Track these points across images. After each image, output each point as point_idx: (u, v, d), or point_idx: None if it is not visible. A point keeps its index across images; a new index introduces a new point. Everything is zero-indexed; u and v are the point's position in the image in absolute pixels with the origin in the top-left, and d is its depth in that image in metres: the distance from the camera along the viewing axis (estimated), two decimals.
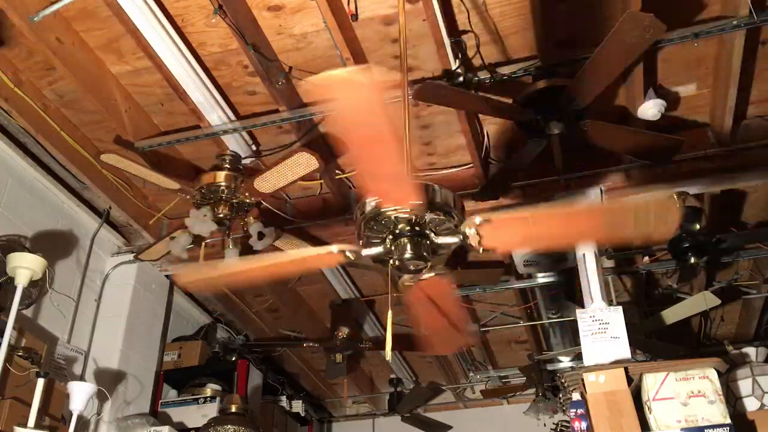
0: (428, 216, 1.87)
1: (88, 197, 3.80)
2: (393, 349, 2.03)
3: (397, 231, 1.89)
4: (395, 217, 1.86)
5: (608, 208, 1.84)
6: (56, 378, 3.23)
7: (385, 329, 5.14)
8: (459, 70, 2.95)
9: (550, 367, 5.03)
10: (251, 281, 2.32)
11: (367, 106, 1.47)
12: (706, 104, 3.32)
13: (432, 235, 1.91)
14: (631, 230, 1.85)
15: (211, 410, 4.01)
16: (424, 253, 1.88)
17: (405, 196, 1.80)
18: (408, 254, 1.87)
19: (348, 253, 1.94)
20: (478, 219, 1.82)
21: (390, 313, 1.96)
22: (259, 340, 5.25)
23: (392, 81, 1.43)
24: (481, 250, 1.89)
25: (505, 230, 1.87)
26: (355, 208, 1.90)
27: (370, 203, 1.86)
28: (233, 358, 4.56)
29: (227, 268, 2.24)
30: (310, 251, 2.05)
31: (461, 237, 1.89)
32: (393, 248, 1.89)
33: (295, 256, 2.09)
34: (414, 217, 1.86)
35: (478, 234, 1.84)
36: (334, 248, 1.94)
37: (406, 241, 1.87)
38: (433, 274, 1.99)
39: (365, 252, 1.94)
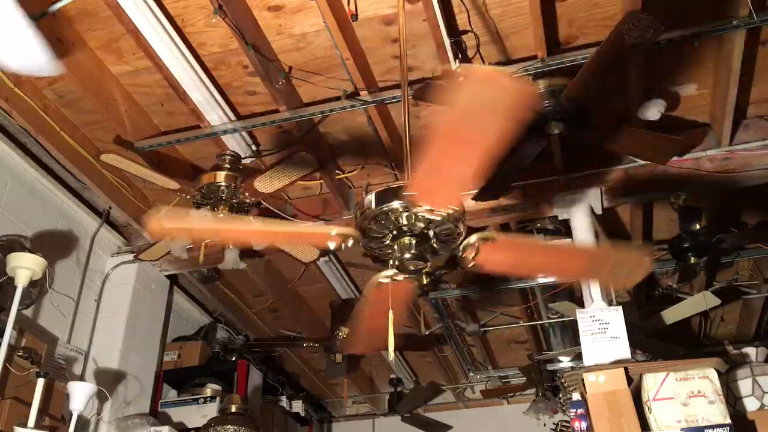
0: (433, 222, 1.88)
1: (88, 197, 3.80)
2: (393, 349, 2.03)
3: (399, 230, 1.89)
4: (390, 217, 1.86)
5: (594, 254, 1.99)
6: (56, 378, 3.23)
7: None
8: (459, 70, 2.95)
9: (550, 367, 5.02)
10: (233, 240, 2.24)
11: (494, 108, 1.44)
12: (706, 104, 3.32)
13: (432, 235, 1.91)
14: (605, 275, 2.04)
15: (211, 410, 4.02)
16: (425, 254, 1.89)
17: (448, 201, 1.79)
18: (409, 254, 1.87)
19: (341, 231, 1.89)
20: (484, 235, 1.84)
21: (391, 313, 1.96)
22: (259, 340, 5.25)
23: (531, 91, 1.42)
24: (470, 265, 1.91)
25: (502, 252, 1.89)
26: (354, 208, 1.90)
27: (379, 200, 1.86)
28: (233, 358, 4.56)
29: (211, 223, 2.18)
30: (306, 227, 2.02)
31: (458, 248, 1.91)
32: (395, 247, 1.89)
33: (287, 227, 2.05)
34: (412, 217, 1.86)
35: (476, 250, 1.86)
36: (333, 230, 1.90)
37: (407, 241, 1.87)
38: (483, 243, 1.96)
39: (364, 242, 1.93)
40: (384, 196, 1.88)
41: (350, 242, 1.90)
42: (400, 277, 2.01)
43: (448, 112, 1.51)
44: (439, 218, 1.86)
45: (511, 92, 1.39)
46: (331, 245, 1.90)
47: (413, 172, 1.79)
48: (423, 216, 1.86)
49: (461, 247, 1.91)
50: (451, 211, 1.84)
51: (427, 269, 1.95)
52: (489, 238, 1.87)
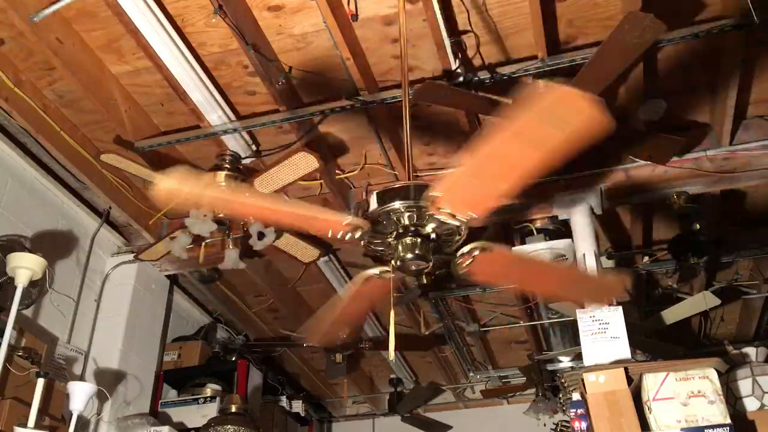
0: (439, 223, 1.88)
1: (88, 197, 3.80)
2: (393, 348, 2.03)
3: (402, 230, 1.89)
4: (391, 218, 1.86)
5: (575, 276, 2.11)
6: (56, 378, 3.23)
7: (385, 329, 5.17)
8: (459, 70, 2.95)
9: (550, 367, 5.02)
10: (239, 213, 2.19)
11: (560, 126, 1.44)
12: (706, 104, 3.32)
13: (434, 239, 1.91)
14: (586, 297, 2.25)
15: (211, 410, 4.01)
16: (427, 255, 1.89)
17: (473, 209, 1.79)
18: (411, 254, 1.87)
19: (354, 222, 1.87)
20: (482, 245, 1.84)
21: (393, 313, 1.96)
22: (259, 340, 5.25)
23: (603, 117, 1.42)
24: (462, 272, 1.91)
25: (496, 263, 1.90)
26: (355, 208, 1.90)
27: (380, 201, 1.86)
28: (233, 358, 4.56)
29: (219, 190, 2.10)
30: (318, 211, 1.96)
31: (455, 254, 1.91)
32: (398, 247, 1.89)
33: (302, 210, 2.00)
34: (411, 217, 1.86)
35: (472, 258, 1.87)
36: (346, 219, 1.87)
37: (410, 240, 1.87)
38: (479, 252, 1.96)
39: (368, 239, 1.93)
40: (393, 194, 1.88)
41: (357, 234, 1.88)
42: (388, 276, 2.01)
43: (511, 121, 1.48)
44: (456, 222, 1.85)
45: (583, 115, 1.39)
46: (339, 234, 1.88)
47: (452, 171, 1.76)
48: (434, 217, 1.85)
49: (458, 253, 1.91)
50: (468, 219, 1.83)
51: (428, 269, 1.95)
52: (486, 248, 1.87)
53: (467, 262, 1.89)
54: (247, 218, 2.34)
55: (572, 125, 1.41)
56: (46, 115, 3.27)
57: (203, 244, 3.57)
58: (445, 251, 1.96)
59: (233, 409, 3.69)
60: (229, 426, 3.57)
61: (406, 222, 1.89)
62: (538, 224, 3.83)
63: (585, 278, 2.12)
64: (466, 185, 1.74)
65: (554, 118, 1.42)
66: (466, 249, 1.89)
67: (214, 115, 3.22)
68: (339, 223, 1.86)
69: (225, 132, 3.31)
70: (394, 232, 1.92)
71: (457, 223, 1.86)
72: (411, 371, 5.88)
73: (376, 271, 1.99)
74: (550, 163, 1.50)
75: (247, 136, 3.45)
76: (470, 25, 2.85)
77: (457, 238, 1.93)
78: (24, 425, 2.78)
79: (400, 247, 1.90)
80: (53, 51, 2.93)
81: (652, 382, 2.43)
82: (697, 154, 3.41)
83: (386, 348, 4.90)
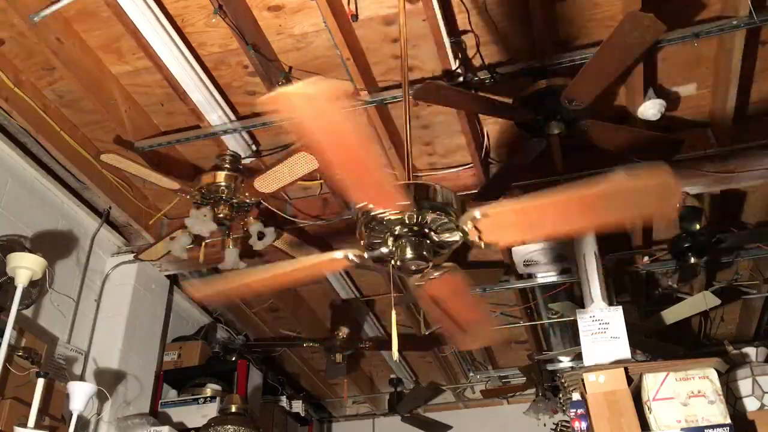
0: (427, 215, 1.86)
1: (88, 197, 3.80)
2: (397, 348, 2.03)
3: (397, 232, 1.88)
4: (388, 219, 1.85)
5: (606, 192, 1.80)
6: (56, 378, 3.22)
7: (385, 329, 5.18)
8: (459, 70, 2.96)
9: (550, 367, 5.03)
10: (260, 290, 2.36)
11: (326, 118, 1.46)
12: (706, 104, 3.32)
13: (432, 234, 1.90)
14: (632, 212, 1.85)
15: (211, 410, 4.01)
16: (425, 253, 1.88)
17: (391, 199, 1.79)
18: (409, 254, 1.86)
19: (352, 257, 1.94)
20: (476, 214, 1.81)
21: (394, 313, 1.96)
22: (259, 340, 5.25)
23: (343, 89, 1.42)
24: (483, 246, 1.88)
25: (504, 223, 1.86)
26: (354, 208, 1.90)
27: (362, 208, 1.86)
28: (233, 358, 4.56)
29: (238, 279, 2.25)
30: (315, 258, 2.04)
31: (461, 234, 1.88)
32: (394, 249, 1.89)
33: (301, 264, 2.09)
34: (410, 217, 1.85)
35: (477, 229, 1.84)
36: (338, 254, 1.94)
37: (405, 241, 1.87)
38: (441, 272, 1.98)
39: (368, 254, 1.93)
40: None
41: (358, 261, 1.95)
42: (435, 275, 2.00)
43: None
44: (402, 217, 1.85)
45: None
46: (342, 268, 1.96)
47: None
48: (413, 216, 1.85)
49: (461, 234, 1.89)
50: (399, 208, 1.82)
51: (429, 268, 1.94)
52: (482, 215, 1.83)
53: (477, 236, 1.85)
54: (268, 290, 2.57)
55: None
56: (46, 115, 3.27)
57: (203, 244, 3.57)
58: (452, 240, 1.93)
59: (233, 409, 3.69)
60: (229, 426, 3.57)
61: (407, 222, 1.88)
62: None
63: (620, 191, 1.83)
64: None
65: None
66: (465, 225, 1.84)
67: (214, 115, 3.23)
68: (337, 261, 1.98)
69: (225, 132, 3.32)
70: (391, 235, 1.91)
71: (480, 245, 1.86)
72: (411, 371, 5.89)
73: (342, 253, 1.96)
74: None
75: (247, 136, 3.45)
76: (470, 25, 2.85)
77: (455, 224, 1.89)
78: (24, 425, 2.78)
79: (397, 249, 1.89)
80: (53, 51, 2.93)
81: (652, 382, 2.44)
82: (697, 154, 3.41)
83: (387, 348, 4.90)
